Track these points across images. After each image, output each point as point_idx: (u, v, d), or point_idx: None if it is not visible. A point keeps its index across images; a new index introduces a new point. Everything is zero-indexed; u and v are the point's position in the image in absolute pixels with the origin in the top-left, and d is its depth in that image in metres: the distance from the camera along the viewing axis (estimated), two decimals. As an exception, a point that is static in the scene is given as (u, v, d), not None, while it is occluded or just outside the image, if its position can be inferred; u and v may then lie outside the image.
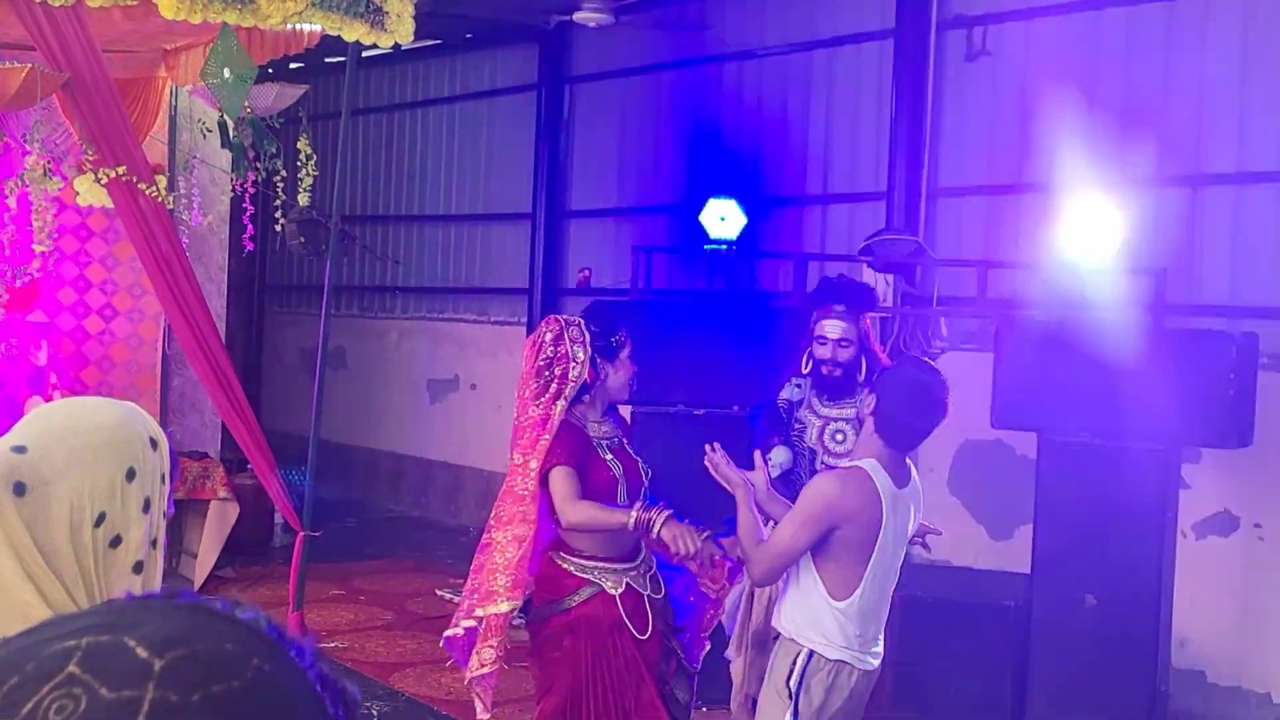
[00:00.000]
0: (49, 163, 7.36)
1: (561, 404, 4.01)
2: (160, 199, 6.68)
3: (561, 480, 3.96)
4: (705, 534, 3.93)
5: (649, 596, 4.09)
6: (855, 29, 8.57)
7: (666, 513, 3.89)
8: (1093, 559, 5.74)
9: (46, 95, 6.66)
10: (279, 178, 7.44)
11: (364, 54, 6.54)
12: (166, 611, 0.74)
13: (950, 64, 7.96)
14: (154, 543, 1.70)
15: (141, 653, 0.69)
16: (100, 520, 1.62)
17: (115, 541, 1.64)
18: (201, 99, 7.74)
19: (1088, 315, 6.10)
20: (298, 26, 6.05)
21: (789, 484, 4.74)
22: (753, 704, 4.89)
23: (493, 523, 4.11)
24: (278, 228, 7.93)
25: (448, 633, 4.13)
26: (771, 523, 4.04)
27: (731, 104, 9.42)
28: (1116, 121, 7.20)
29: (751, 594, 4.95)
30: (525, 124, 10.96)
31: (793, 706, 3.83)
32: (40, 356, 8.00)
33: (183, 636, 0.71)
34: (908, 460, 4.00)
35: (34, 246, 7.42)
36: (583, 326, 4.08)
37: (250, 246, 7.73)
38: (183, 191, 8.02)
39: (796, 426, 5.05)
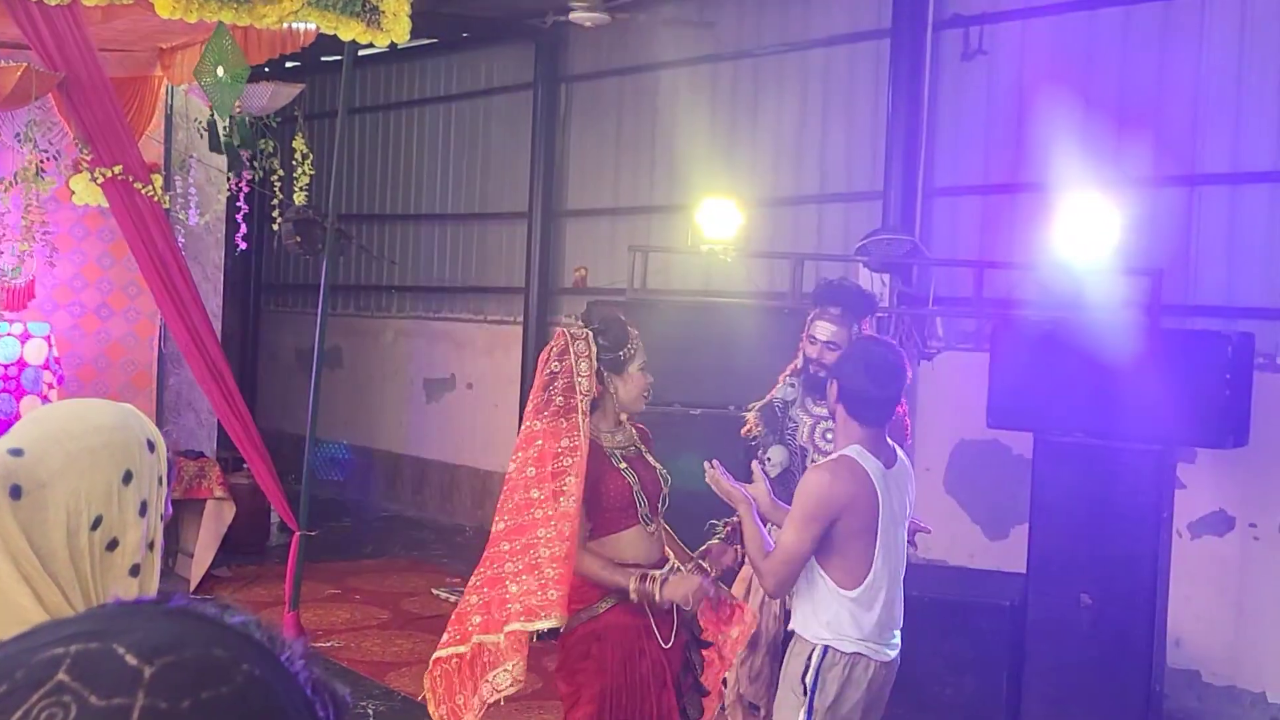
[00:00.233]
0: (41, 162, 7.35)
1: (580, 420, 3.92)
2: (156, 198, 6.67)
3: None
4: (709, 573, 3.99)
5: (675, 606, 4.08)
6: (851, 28, 8.57)
7: (662, 579, 3.88)
8: (1088, 559, 5.74)
9: (42, 94, 6.65)
10: (276, 177, 7.43)
11: (360, 53, 6.53)
12: (155, 618, 0.74)
13: (946, 63, 7.96)
14: (151, 545, 1.70)
15: (131, 660, 0.69)
16: (97, 523, 1.61)
17: (112, 545, 1.63)
18: (198, 98, 7.73)
19: (1084, 315, 6.11)
20: (294, 25, 6.05)
21: (787, 484, 4.74)
22: (747, 704, 4.90)
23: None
24: (275, 226, 7.93)
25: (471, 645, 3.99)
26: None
27: (727, 103, 9.42)
28: (1112, 121, 7.20)
29: (745, 594, 4.95)
30: (522, 123, 10.96)
31: (807, 703, 3.83)
32: (36, 356, 7.98)
33: (172, 643, 0.71)
34: (890, 441, 4.00)
35: (18, 245, 7.40)
36: (590, 340, 3.99)
37: (244, 246, 7.73)
38: (180, 191, 8.01)
39: (790, 425, 5.06)
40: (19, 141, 7.48)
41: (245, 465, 7.54)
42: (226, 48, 5.89)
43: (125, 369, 8.73)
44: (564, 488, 3.89)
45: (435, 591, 8.80)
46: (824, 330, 4.88)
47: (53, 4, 5.64)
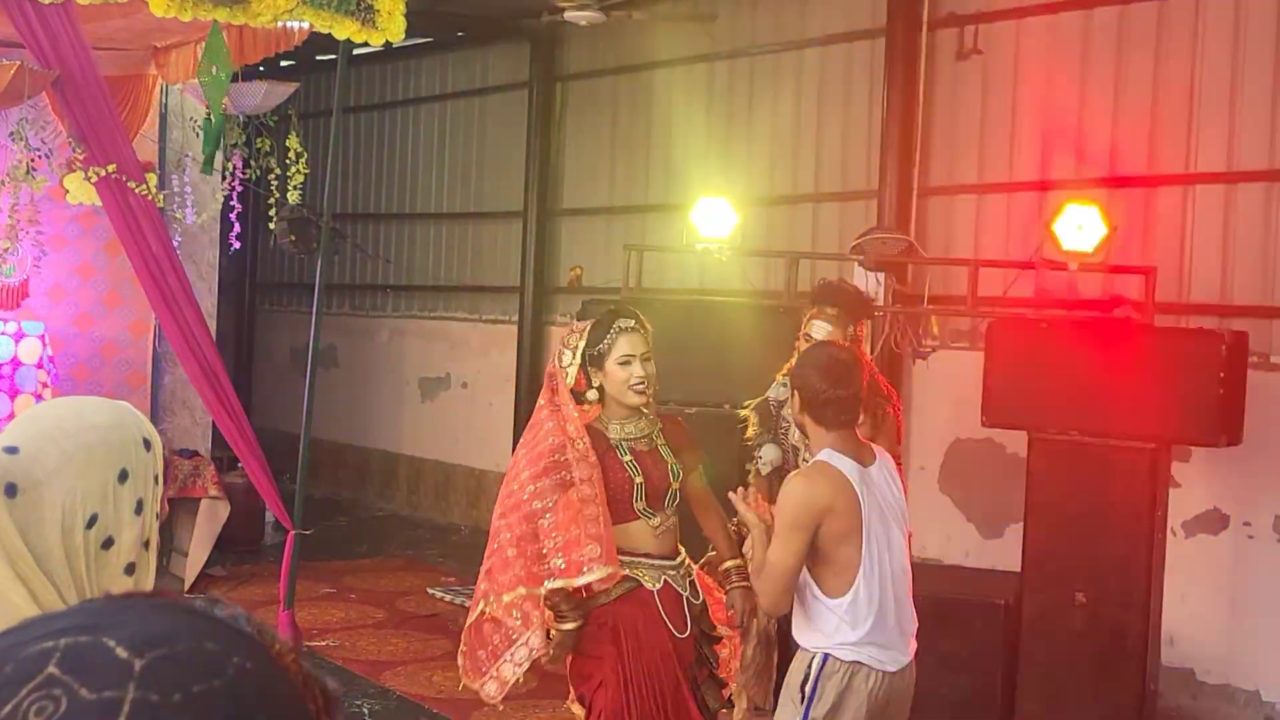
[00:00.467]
0: (33, 160, 7.34)
1: (569, 410, 4.08)
2: (151, 197, 6.66)
3: None
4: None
5: (688, 599, 4.12)
6: (847, 27, 8.57)
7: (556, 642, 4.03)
8: (1083, 557, 5.75)
9: (35, 93, 6.64)
10: (273, 176, 7.42)
11: (355, 52, 6.52)
12: (146, 611, 0.73)
13: (941, 62, 7.96)
14: (146, 544, 1.69)
15: (121, 653, 0.69)
16: (92, 522, 1.61)
17: (107, 543, 1.63)
18: (193, 97, 7.72)
19: (1078, 314, 6.11)
20: (288, 24, 6.04)
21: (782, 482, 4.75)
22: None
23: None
24: (271, 225, 7.92)
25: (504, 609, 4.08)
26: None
27: (722, 102, 9.42)
28: (1107, 120, 7.21)
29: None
30: (517, 122, 10.95)
31: (804, 711, 3.82)
32: (31, 355, 7.97)
33: (163, 636, 0.71)
34: (864, 439, 4.01)
35: (1, 244, 7.38)
36: (582, 333, 4.16)
37: (238, 245, 7.72)
38: (175, 190, 7.99)
39: (782, 424, 5.06)
40: (12, 140, 7.47)
41: (240, 464, 7.53)
42: (222, 47, 5.88)
43: (120, 368, 8.72)
44: (567, 477, 4.01)
45: (430, 591, 8.80)
46: (820, 330, 4.89)
47: (47, 2, 5.63)
